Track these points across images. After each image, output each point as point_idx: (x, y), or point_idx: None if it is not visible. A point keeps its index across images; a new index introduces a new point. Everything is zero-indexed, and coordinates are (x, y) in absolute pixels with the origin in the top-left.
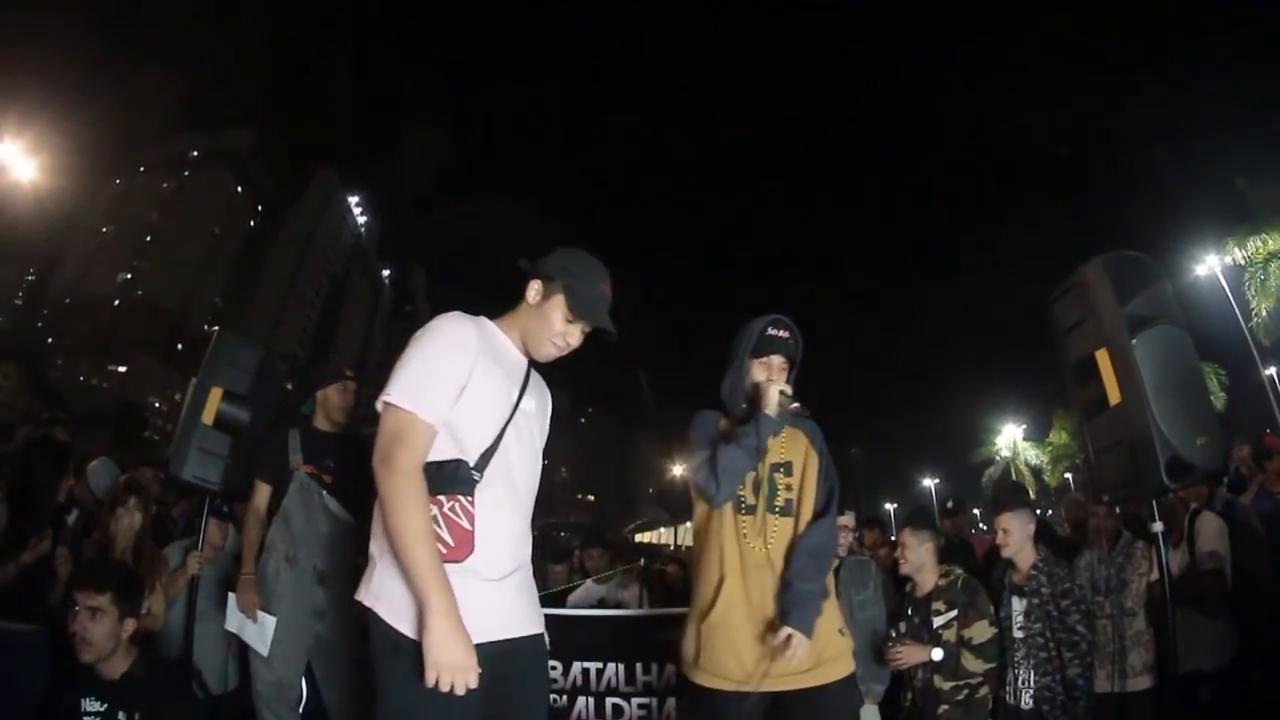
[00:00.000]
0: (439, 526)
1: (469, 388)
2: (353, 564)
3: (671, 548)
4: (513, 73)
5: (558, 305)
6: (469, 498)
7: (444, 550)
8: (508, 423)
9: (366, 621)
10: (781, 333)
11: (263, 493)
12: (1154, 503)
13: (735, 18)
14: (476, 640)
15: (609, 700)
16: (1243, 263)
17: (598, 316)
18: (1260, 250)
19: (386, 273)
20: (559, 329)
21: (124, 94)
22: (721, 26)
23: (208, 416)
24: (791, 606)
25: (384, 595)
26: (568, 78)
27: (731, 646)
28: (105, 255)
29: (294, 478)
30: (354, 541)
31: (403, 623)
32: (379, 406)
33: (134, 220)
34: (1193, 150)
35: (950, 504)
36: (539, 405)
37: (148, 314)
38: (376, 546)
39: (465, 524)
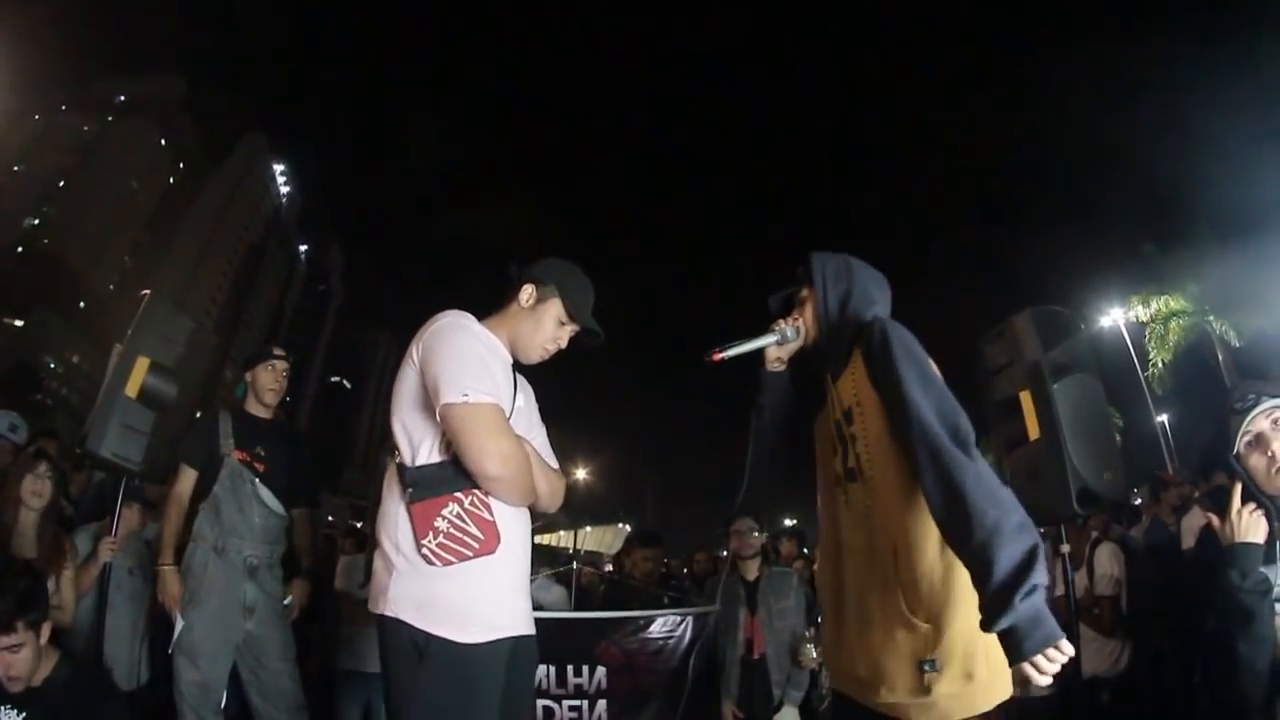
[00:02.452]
0: (465, 522)
1: None
2: (284, 557)
3: (571, 551)
4: (454, 53)
5: (554, 308)
6: (483, 491)
7: (476, 545)
8: (508, 419)
9: (381, 634)
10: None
11: (188, 478)
12: (1062, 528)
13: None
14: (502, 635)
15: (540, 703)
16: (1146, 319)
17: (592, 320)
18: (1163, 309)
19: (304, 248)
20: (552, 332)
21: (54, 24)
22: (690, 21)
23: (132, 389)
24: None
25: (407, 598)
26: (515, 61)
27: (833, 640)
28: (13, 197)
29: (225, 464)
30: (285, 535)
31: (430, 622)
32: (438, 416)
33: (49, 163)
34: (1107, 212)
35: None
36: (528, 401)
37: (52, 266)
38: (389, 552)
39: (488, 515)
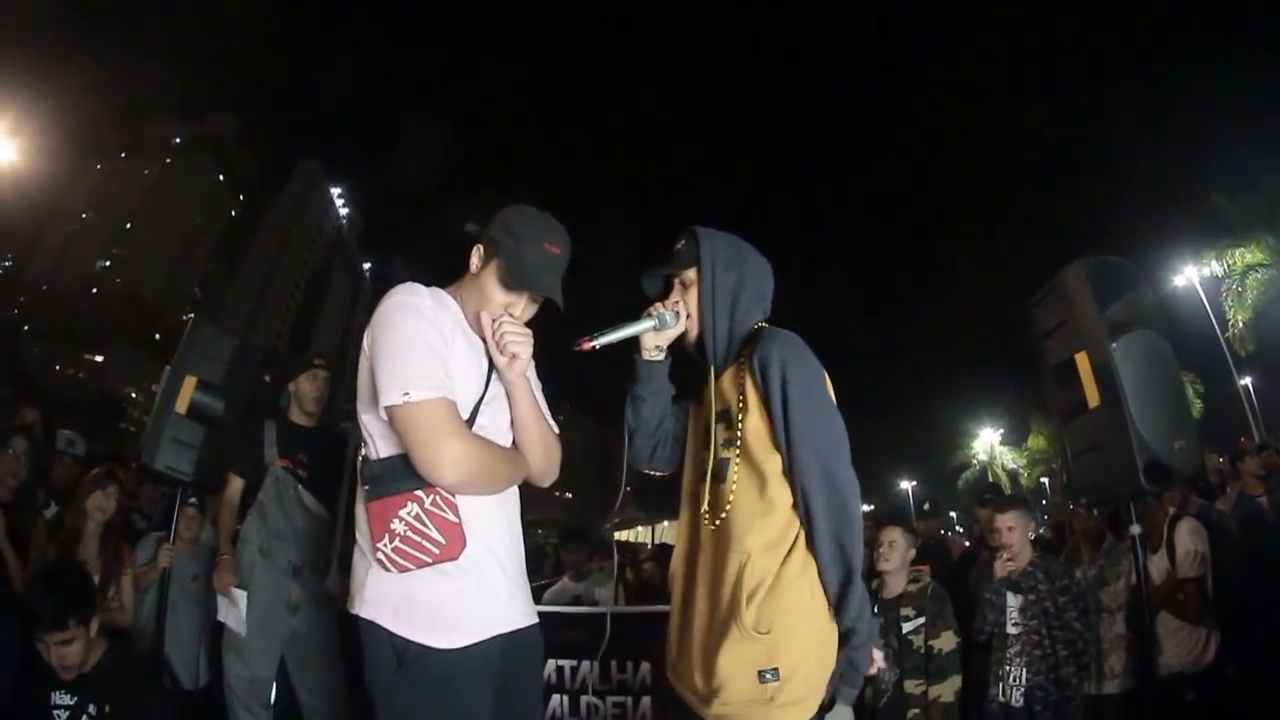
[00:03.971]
0: (424, 525)
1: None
2: (328, 558)
3: (649, 546)
4: (502, 64)
5: (493, 272)
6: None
7: (436, 551)
8: (480, 400)
9: (359, 636)
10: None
11: (236, 484)
12: (1131, 505)
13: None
14: (486, 636)
15: (583, 698)
16: (1220, 274)
17: (538, 281)
18: (1238, 262)
19: (367, 266)
20: (500, 300)
21: (107, 76)
22: (709, 14)
23: (181, 405)
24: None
25: (385, 601)
26: (555, 68)
27: (672, 646)
28: (84, 242)
29: (269, 471)
30: (330, 536)
31: (408, 628)
32: (382, 415)
33: (114, 207)
34: (1172, 163)
35: (927, 506)
36: None
37: (126, 303)
38: (363, 551)
39: (451, 517)
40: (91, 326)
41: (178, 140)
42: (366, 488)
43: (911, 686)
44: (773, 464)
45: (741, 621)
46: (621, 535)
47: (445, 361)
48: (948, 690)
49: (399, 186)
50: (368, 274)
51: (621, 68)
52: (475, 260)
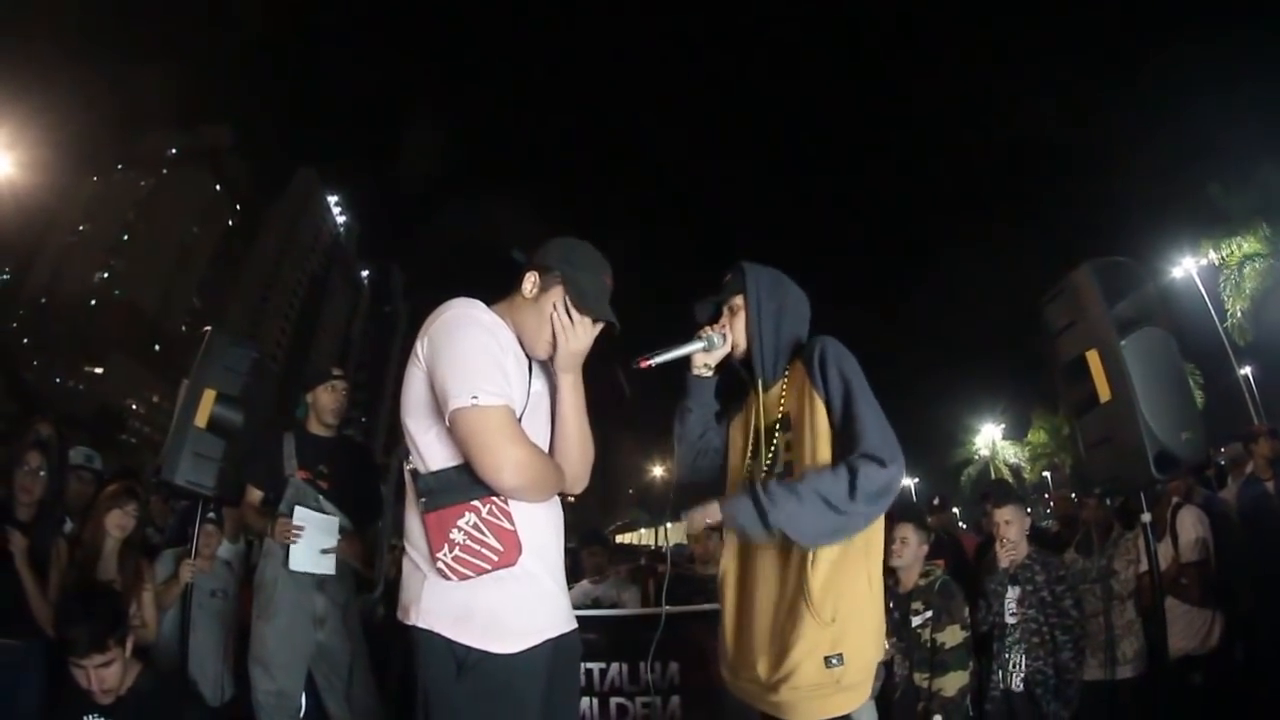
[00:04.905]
0: (482, 533)
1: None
2: (351, 569)
3: (652, 548)
4: (498, 70)
5: (556, 298)
6: (503, 497)
7: (495, 558)
8: (524, 410)
9: (410, 645)
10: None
11: (254, 496)
12: (1142, 494)
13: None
14: (539, 639)
15: (613, 700)
16: (1218, 265)
17: (601, 309)
18: (1235, 253)
19: (365, 273)
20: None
21: (103, 89)
22: (707, 14)
23: (200, 419)
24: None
25: (443, 610)
26: (549, 71)
27: (727, 642)
28: (82, 254)
29: (289, 484)
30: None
31: (468, 635)
32: (443, 422)
33: (111, 219)
34: (1169, 155)
35: (936, 501)
36: (546, 385)
37: (125, 314)
38: (418, 562)
39: (507, 525)
40: (90, 338)
41: (174, 151)
42: (423, 500)
43: (920, 679)
44: (828, 456)
45: (814, 608)
46: (625, 538)
47: (506, 374)
48: (950, 685)
49: (397, 193)
50: (366, 281)
51: (617, 68)
52: (529, 285)
